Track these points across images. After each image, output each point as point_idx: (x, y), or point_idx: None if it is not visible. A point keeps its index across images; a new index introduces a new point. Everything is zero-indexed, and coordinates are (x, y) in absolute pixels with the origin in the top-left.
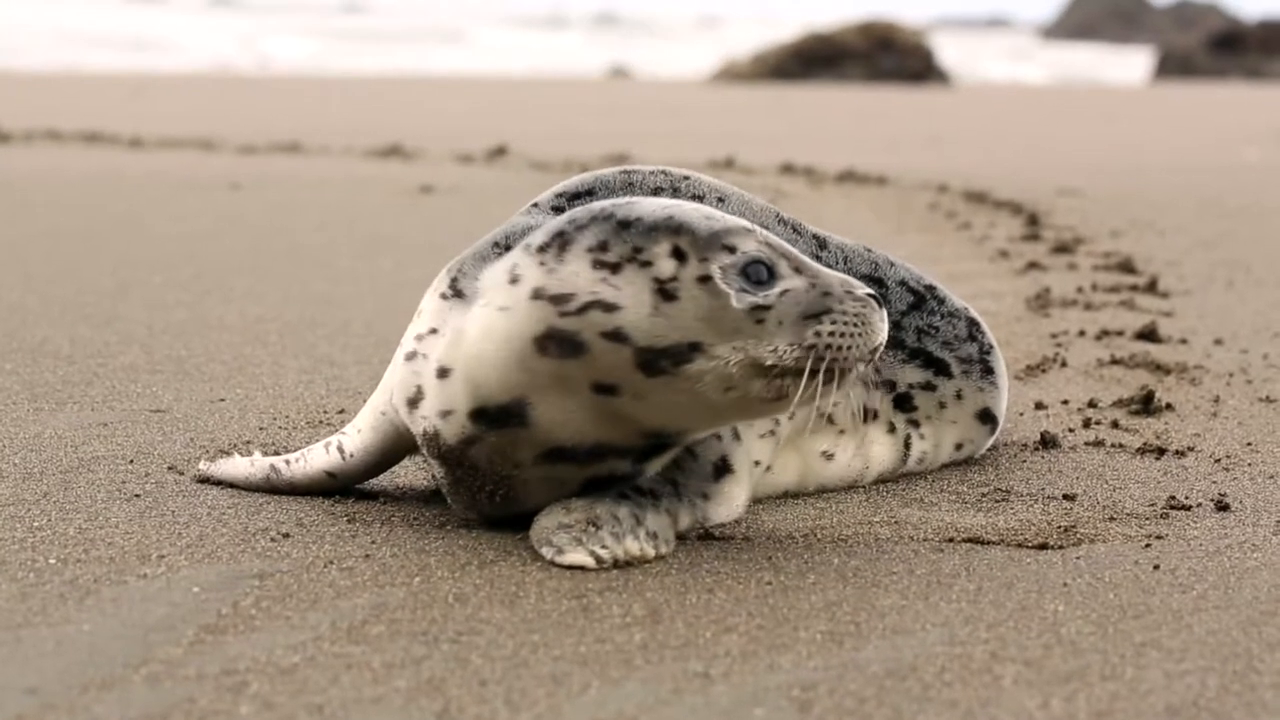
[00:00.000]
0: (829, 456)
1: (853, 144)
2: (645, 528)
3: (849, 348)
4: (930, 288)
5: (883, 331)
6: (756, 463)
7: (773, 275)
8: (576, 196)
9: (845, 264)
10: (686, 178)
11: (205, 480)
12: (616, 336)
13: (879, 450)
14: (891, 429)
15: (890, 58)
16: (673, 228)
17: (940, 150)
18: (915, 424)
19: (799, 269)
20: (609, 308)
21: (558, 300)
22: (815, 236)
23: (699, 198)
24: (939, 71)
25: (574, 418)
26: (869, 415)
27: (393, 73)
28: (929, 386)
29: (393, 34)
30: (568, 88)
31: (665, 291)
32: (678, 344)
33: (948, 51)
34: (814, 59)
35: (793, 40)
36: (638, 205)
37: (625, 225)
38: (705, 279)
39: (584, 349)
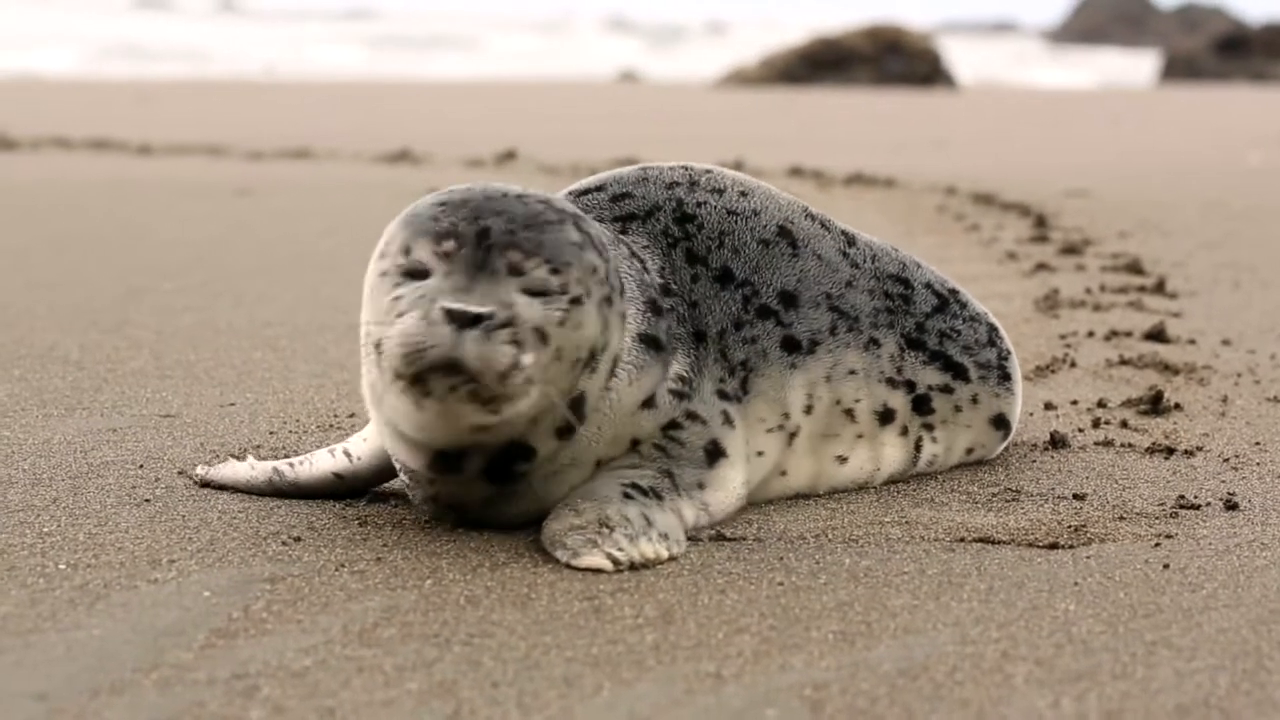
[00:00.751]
0: (842, 460)
1: (861, 147)
2: (656, 529)
3: (393, 355)
4: (954, 291)
5: (453, 347)
6: (760, 454)
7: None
8: (585, 193)
9: (873, 262)
10: (708, 171)
11: (206, 484)
12: (365, 333)
13: (890, 452)
14: (904, 431)
15: (897, 61)
16: (402, 224)
17: (948, 153)
18: (929, 427)
19: (451, 278)
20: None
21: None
22: (844, 233)
23: (719, 190)
24: (946, 75)
25: (408, 425)
26: (888, 416)
27: (400, 77)
28: (946, 390)
29: (402, 39)
30: (577, 92)
31: (369, 286)
32: (369, 340)
33: (954, 55)
34: (821, 63)
35: (800, 44)
36: (420, 203)
37: (402, 223)
38: (383, 274)
39: (367, 349)
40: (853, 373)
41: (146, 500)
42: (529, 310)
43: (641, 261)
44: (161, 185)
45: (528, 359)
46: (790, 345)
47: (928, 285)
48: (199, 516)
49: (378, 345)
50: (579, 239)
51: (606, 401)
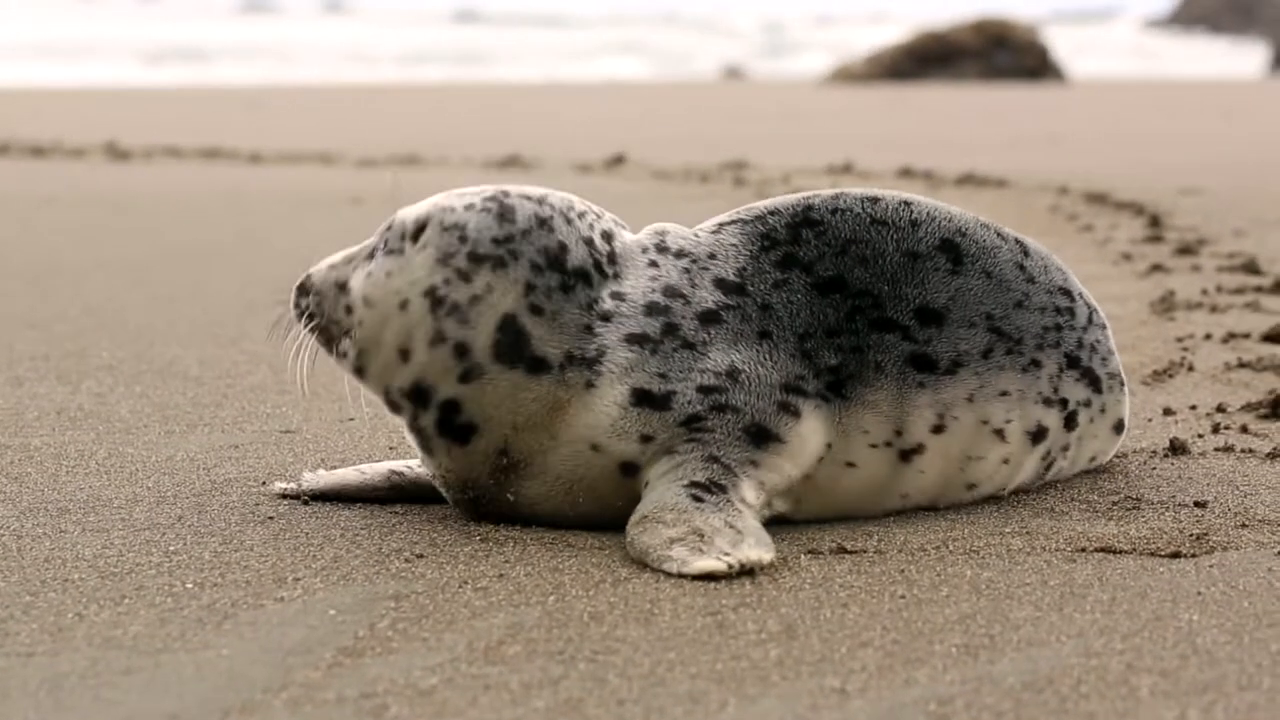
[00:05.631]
0: (972, 486)
1: (971, 145)
2: (749, 536)
3: None
4: (1083, 293)
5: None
6: (851, 465)
7: None
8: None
9: (1045, 273)
10: (872, 190)
11: (315, 496)
12: None
13: (1025, 471)
14: (1048, 452)
15: (1005, 55)
16: None
17: (1059, 150)
18: (1065, 447)
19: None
20: None
21: None
22: (1018, 241)
23: (873, 200)
24: (1054, 68)
25: None
26: (1040, 435)
27: (504, 80)
28: (1087, 404)
29: (503, 40)
30: (683, 92)
31: None
32: None
33: (1061, 46)
34: (928, 58)
35: (907, 40)
36: None
37: None
38: None
39: None
40: (1005, 394)
41: (270, 518)
42: (330, 272)
43: (690, 262)
44: (275, 194)
45: (308, 302)
46: (921, 363)
47: (1081, 295)
48: (322, 534)
49: None
50: (451, 204)
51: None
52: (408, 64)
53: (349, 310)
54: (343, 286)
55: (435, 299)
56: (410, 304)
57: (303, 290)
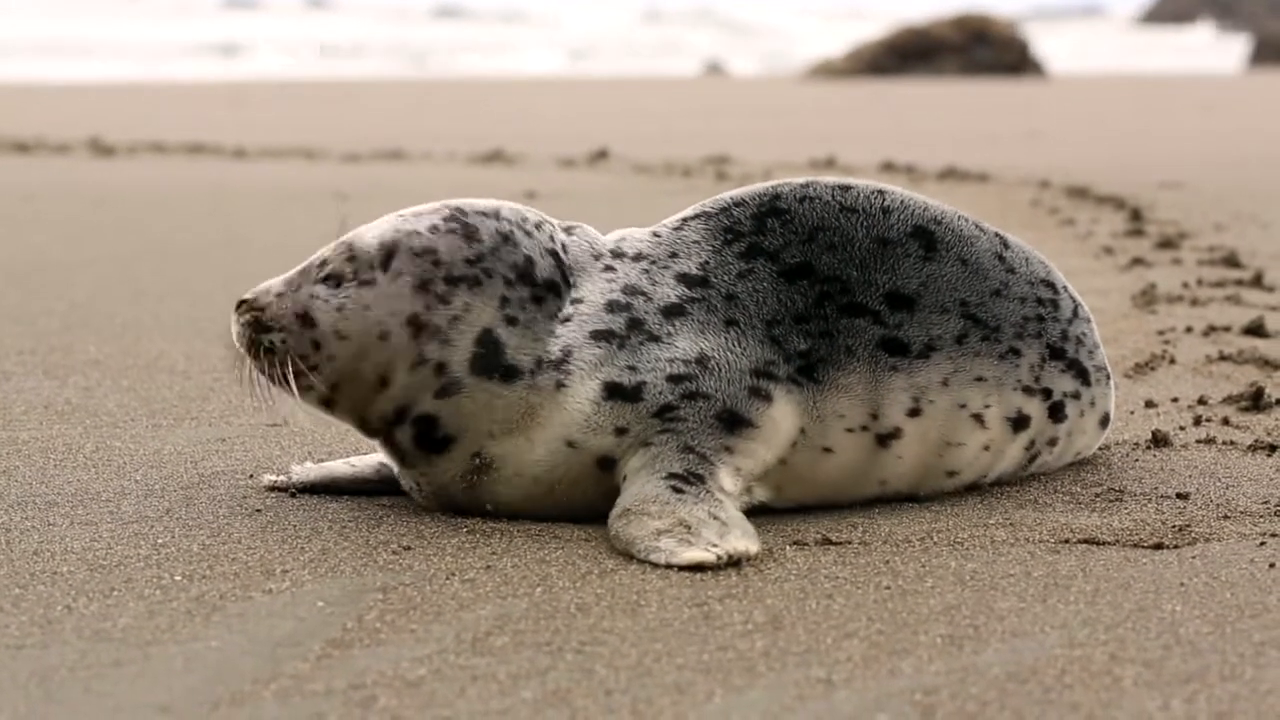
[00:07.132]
0: (952, 474)
1: (952, 140)
2: (734, 526)
3: None
4: (1067, 287)
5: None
6: (828, 450)
7: None
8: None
9: (1026, 264)
10: (845, 179)
11: (305, 488)
12: None
13: (1007, 461)
14: (1031, 443)
15: (985, 50)
16: None
17: (1040, 144)
18: (1053, 440)
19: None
20: None
21: None
22: (998, 235)
23: (844, 188)
24: (1035, 63)
25: None
26: (1022, 423)
27: (490, 75)
28: (1076, 396)
29: (485, 34)
30: (665, 88)
31: None
32: None
33: (1042, 41)
34: (909, 53)
35: (887, 35)
36: None
37: None
38: None
39: None
40: (981, 379)
41: (258, 510)
42: (282, 301)
43: (650, 263)
44: (259, 190)
45: (271, 338)
46: (893, 347)
47: (1065, 288)
48: (310, 526)
49: None
50: (413, 228)
51: (522, 379)
52: (389, 59)
53: (316, 346)
54: (304, 319)
55: (417, 325)
56: (392, 334)
57: (261, 327)
